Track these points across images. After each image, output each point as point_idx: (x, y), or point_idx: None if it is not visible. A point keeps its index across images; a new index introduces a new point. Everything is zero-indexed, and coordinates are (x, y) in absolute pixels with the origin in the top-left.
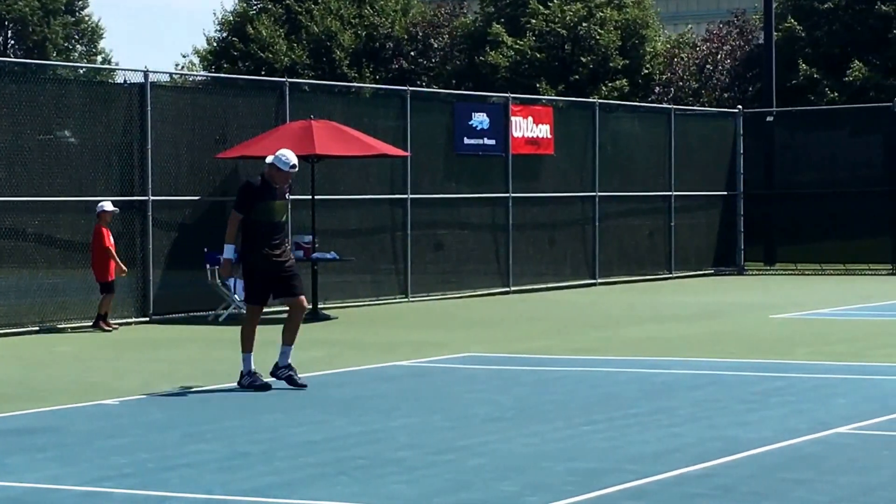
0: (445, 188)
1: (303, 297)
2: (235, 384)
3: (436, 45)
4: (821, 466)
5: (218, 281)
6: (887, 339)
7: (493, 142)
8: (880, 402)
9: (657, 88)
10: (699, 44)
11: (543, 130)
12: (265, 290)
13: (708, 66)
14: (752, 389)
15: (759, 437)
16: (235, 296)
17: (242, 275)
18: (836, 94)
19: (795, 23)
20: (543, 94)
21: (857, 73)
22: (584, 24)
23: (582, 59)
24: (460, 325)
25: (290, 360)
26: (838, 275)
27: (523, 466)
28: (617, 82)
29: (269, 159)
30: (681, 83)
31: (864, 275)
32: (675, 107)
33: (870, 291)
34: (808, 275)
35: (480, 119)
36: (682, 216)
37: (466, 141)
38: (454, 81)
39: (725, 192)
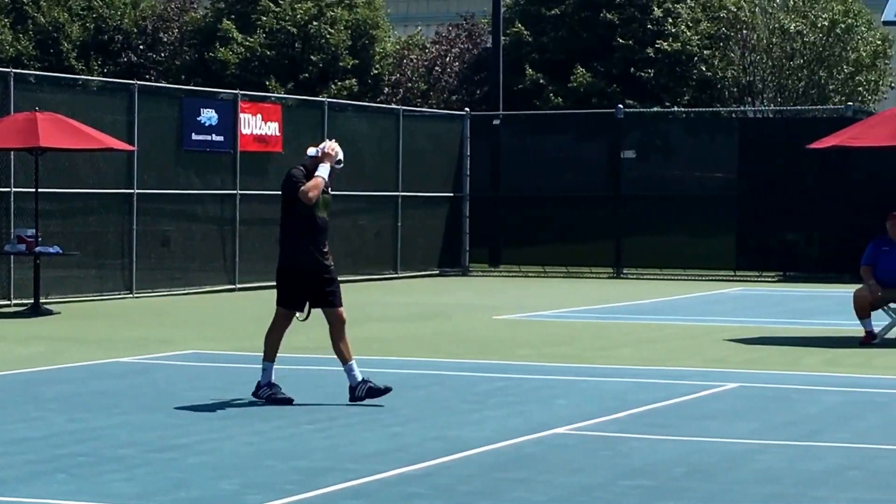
0: (173, 183)
1: (342, 310)
2: (251, 395)
3: (165, 40)
4: (539, 466)
5: None
6: (607, 340)
7: (221, 138)
8: (599, 404)
9: (386, 89)
10: (428, 46)
11: (272, 128)
12: (302, 295)
13: (437, 69)
14: (474, 390)
15: (480, 437)
16: None
17: (277, 275)
18: (560, 99)
19: (523, 28)
20: (273, 92)
21: (581, 79)
22: (314, 23)
23: (312, 57)
24: (185, 322)
25: (359, 375)
26: (561, 277)
27: (244, 465)
28: (346, 82)
29: (311, 151)
30: (410, 84)
31: (587, 278)
32: (403, 107)
33: (592, 294)
34: (532, 277)
35: (209, 115)
36: (409, 216)
37: (195, 137)
38: (183, 77)
39: (452, 194)
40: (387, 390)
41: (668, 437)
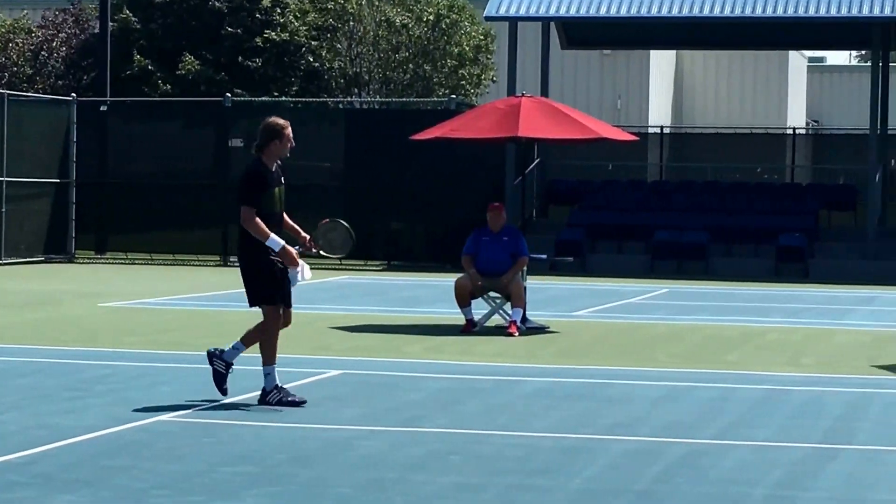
0: None
1: (289, 310)
2: (257, 403)
3: None
4: (142, 453)
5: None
6: (213, 328)
7: None
8: (203, 391)
9: None
10: (35, 30)
11: None
12: (285, 283)
13: (43, 53)
14: (78, 377)
15: (83, 425)
16: None
17: (249, 274)
18: (169, 86)
19: (131, 14)
20: None
21: (189, 66)
22: None
23: None
24: None
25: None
26: (168, 265)
27: None
28: None
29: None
30: (15, 68)
31: (194, 265)
32: (8, 92)
33: (199, 282)
34: (139, 264)
35: None
36: (13, 203)
37: None
38: None
39: (58, 180)
40: (301, 402)
41: (272, 423)
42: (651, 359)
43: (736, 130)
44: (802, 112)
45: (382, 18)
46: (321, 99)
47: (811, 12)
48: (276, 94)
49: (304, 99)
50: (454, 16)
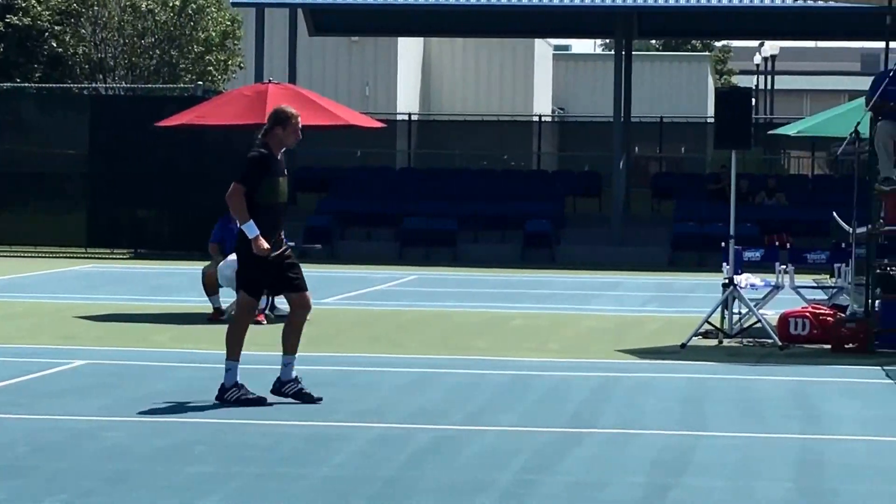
0: None
1: (308, 294)
2: (214, 399)
3: None
4: None
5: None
6: None
7: None
8: None
9: None
10: None
11: None
12: (264, 282)
13: None
14: None
15: None
16: None
17: (237, 262)
18: None
19: None
20: None
21: None
22: None
23: None
24: None
25: (294, 372)
26: None
27: None
28: None
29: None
30: None
31: None
32: None
33: None
34: None
35: None
36: None
37: None
38: None
39: None
40: (318, 400)
41: (13, 415)
42: (399, 345)
43: (483, 118)
44: (549, 100)
45: (127, 3)
46: (65, 85)
47: (556, 0)
48: (18, 80)
49: (47, 85)
50: (200, 1)
